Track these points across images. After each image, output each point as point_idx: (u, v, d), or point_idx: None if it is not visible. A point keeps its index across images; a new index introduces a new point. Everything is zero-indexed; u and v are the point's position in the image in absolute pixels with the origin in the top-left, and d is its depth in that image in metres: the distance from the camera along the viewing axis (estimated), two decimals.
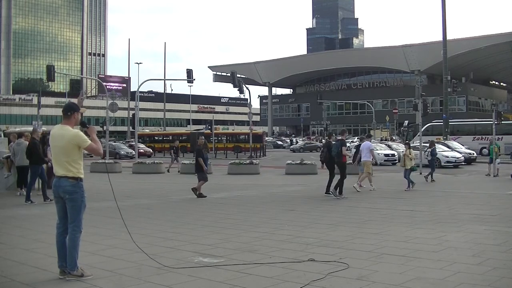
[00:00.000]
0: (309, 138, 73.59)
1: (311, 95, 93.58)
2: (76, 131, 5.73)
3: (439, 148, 29.82)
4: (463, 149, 32.00)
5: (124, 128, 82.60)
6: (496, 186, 15.96)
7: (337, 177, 13.94)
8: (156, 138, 59.44)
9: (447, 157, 27.56)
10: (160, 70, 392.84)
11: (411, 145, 18.53)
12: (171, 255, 6.81)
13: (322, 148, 16.19)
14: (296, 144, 60.54)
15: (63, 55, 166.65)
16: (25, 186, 14.65)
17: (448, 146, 30.34)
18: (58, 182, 5.68)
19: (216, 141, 49.04)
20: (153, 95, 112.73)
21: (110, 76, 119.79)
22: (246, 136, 52.89)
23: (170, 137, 59.47)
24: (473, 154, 32.10)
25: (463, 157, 28.85)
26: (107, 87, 67.86)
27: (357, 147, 14.66)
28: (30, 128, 23.36)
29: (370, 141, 16.66)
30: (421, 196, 14.29)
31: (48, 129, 11.47)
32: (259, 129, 63.13)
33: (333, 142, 14.70)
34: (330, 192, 13.89)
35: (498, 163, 21.57)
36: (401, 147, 36.84)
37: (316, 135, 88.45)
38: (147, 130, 71.70)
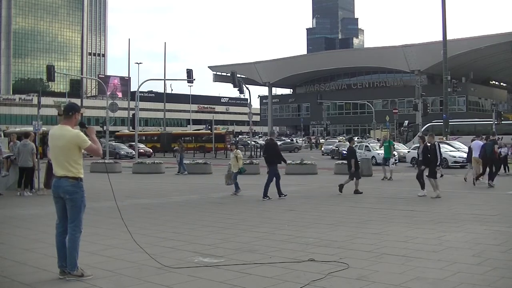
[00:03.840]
0: (309, 138, 73.58)
1: (311, 95, 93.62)
2: (76, 132, 5.72)
3: (445, 148, 29.66)
4: (465, 149, 31.71)
5: (124, 128, 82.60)
6: (496, 186, 15.97)
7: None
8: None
9: (454, 157, 26.92)
10: (160, 70, 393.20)
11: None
12: (171, 255, 6.81)
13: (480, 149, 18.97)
14: None
15: (63, 55, 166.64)
16: (26, 187, 14.69)
17: (453, 147, 30.08)
18: (58, 182, 5.68)
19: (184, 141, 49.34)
20: (153, 95, 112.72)
21: (110, 76, 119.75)
22: (209, 137, 53.71)
23: (144, 138, 60.05)
24: None
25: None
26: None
27: (469, 148, 18.04)
28: (30, 128, 23.32)
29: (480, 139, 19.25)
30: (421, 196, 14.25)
31: (48, 129, 11.50)
32: (222, 129, 63.80)
33: (487, 142, 17.13)
34: (479, 182, 16.72)
35: (393, 164, 20.67)
36: (401, 147, 36.87)
37: (317, 135, 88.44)
38: (126, 131, 71.25)
